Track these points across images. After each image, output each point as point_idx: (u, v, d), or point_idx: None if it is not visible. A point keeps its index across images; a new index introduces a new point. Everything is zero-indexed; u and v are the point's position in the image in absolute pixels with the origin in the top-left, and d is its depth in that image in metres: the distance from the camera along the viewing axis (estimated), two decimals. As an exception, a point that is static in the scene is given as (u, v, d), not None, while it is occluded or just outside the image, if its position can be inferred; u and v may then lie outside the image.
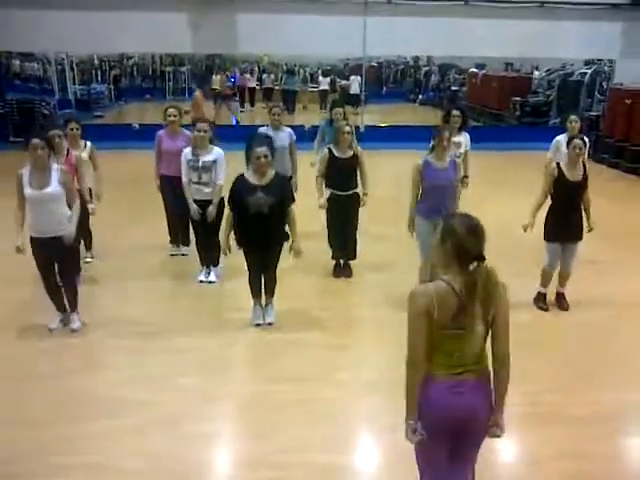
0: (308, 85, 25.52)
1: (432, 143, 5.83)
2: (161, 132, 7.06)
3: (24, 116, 14.63)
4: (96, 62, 26.94)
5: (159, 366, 4.93)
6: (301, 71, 27.46)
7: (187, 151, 6.29)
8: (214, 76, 22.20)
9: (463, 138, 7.19)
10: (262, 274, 5.60)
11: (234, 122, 18.92)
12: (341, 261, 6.93)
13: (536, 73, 20.56)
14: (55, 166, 5.11)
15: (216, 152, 6.30)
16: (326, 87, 23.04)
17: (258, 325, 5.53)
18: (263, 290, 5.64)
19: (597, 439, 4.06)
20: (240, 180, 5.29)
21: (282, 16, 14.05)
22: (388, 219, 8.01)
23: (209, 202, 6.28)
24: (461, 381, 2.67)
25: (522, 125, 17.85)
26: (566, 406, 4.42)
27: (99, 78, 25.96)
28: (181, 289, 6.55)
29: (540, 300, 6.07)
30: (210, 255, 6.60)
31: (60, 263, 5.30)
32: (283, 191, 5.31)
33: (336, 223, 6.77)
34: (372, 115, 19.14)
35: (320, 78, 23.87)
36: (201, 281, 6.58)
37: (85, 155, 6.66)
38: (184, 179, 6.33)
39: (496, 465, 3.86)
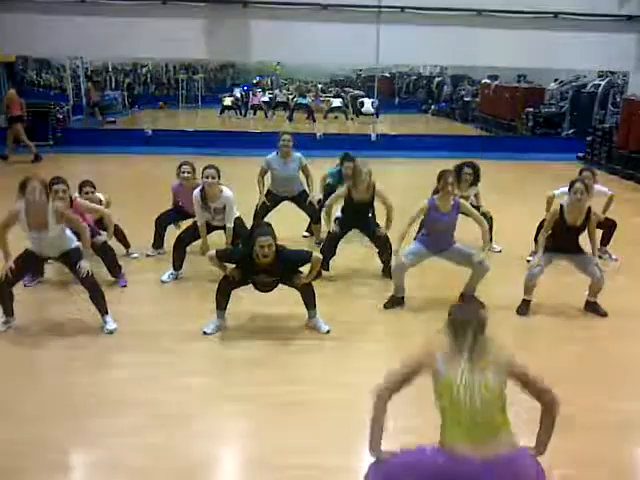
0: (320, 100, 25.24)
1: (436, 186, 5.88)
2: (176, 185, 7.08)
3: (38, 120, 14.75)
4: (110, 70, 27.20)
5: (162, 366, 4.88)
6: (312, 89, 27.11)
7: (197, 194, 6.35)
8: (222, 97, 22.56)
9: (472, 193, 7.13)
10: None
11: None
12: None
13: (552, 84, 20.52)
14: (50, 208, 5.05)
15: (225, 196, 6.34)
16: (339, 104, 22.85)
17: (205, 334, 5.39)
18: (305, 306, 5.53)
19: (607, 447, 3.97)
20: (245, 258, 5.15)
21: (295, 23, 14.12)
22: (395, 226, 7.98)
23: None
24: (476, 453, 2.57)
25: (534, 136, 17.79)
26: (575, 414, 4.33)
27: (113, 85, 26.16)
28: (185, 290, 6.51)
29: (522, 306, 5.89)
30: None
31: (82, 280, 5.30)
32: (287, 270, 5.29)
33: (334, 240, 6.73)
34: (384, 125, 19.17)
35: (332, 100, 23.36)
36: (162, 281, 6.56)
37: (104, 207, 6.72)
38: (199, 222, 6.49)
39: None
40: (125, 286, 6.46)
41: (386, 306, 5.99)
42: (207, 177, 6.22)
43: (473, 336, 2.66)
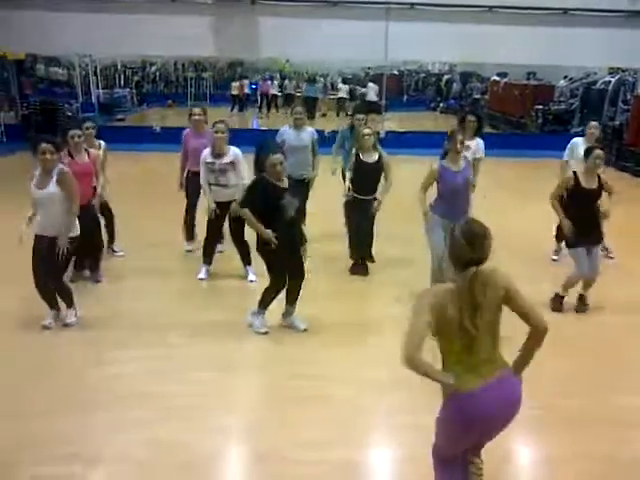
0: (328, 93, 25.54)
1: (445, 147, 5.85)
2: (187, 131, 7.16)
3: (47, 118, 14.79)
4: (119, 67, 27.29)
5: (171, 360, 4.88)
6: (321, 79, 27.55)
7: (206, 152, 6.29)
8: (233, 83, 22.51)
9: (475, 143, 7.06)
10: (290, 284, 5.35)
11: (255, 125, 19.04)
12: (359, 261, 6.86)
13: (561, 82, 20.39)
14: (57, 168, 5.14)
15: (233, 153, 6.28)
16: (345, 95, 23.10)
17: (266, 333, 5.37)
18: (289, 300, 5.43)
19: (615, 442, 3.93)
20: (263, 184, 5.03)
21: (303, 20, 14.10)
22: (404, 220, 7.96)
23: (228, 204, 6.27)
24: (483, 384, 2.71)
25: (544, 133, 17.68)
26: (583, 409, 4.30)
27: (121, 83, 26.25)
28: (196, 286, 6.51)
29: (557, 302, 5.93)
30: (242, 254, 6.54)
31: (45, 265, 5.22)
32: (303, 191, 5.24)
33: (355, 224, 6.74)
34: (393, 122, 19.09)
35: (340, 85, 23.93)
36: (200, 279, 6.55)
37: (101, 154, 6.72)
38: (202, 181, 6.38)
39: (512, 466, 3.80)
40: (99, 281, 6.42)
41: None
42: (217, 132, 6.20)
43: (472, 277, 2.65)
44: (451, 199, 5.74)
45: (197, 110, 7.10)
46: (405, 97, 30.08)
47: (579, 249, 5.75)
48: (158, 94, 28.11)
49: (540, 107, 18.22)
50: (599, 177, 5.74)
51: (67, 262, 5.44)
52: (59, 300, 5.43)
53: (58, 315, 5.42)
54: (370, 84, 22.25)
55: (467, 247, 2.65)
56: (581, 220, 5.70)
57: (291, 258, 5.21)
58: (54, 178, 5.09)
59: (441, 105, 26.95)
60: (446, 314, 2.64)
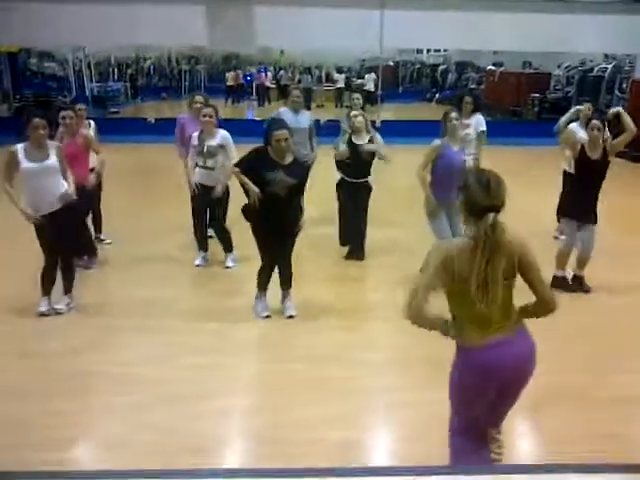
0: (324, 84, 25.49)
1: (442, 128, 5.81)
2: (184, 117, 6.98)
3: (41, 110, 14.63)
4: (113, 61, 27.14)
5: (169, 345, 4.83)
6: (316, 71, 27.48)
7: (195, 135, 6.21)
8: (227, 73, 22.41)
9: (474, 120, 7.08)
10: (277, 266, 5.32)
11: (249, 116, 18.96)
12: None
13: (557, 71, 20.34)
14: (51, 143, 5.14)
15: (221, 136, 6.19)
16: (341, 85, 23.02)
17: (268, 317, 5.31)
18: (280, 283, 5.37)
19: (622, 420, 3.89)
20: (261, 153, 4.95)
21: (299, 9, 14.00)
22: (400, 207, 7.95)
23: (212, 188, 6.18)
24: (497, 339, 2.67)
25: (541, 121, 17.64)
26: (589, 387, 4.26)
27: (115, 77, 26.11)
28: (192, 273, 6.45)
29: (559, 282, 5.88)
30: (222, 241, 6.51)
31: (59, 244, 5.20)
32: (303, 174, 5.12)
33: (346, 209, 6.69)
34: (388, 113, 19.02)
35: (335, 75, 23.85)
36: (197, 265, 6.50)
37: (91, 133, 6.67)
38: (190, 162, 6.30)
39: (521, 444, 3.76)
40: (89, 268, 6.37)
41: None
42: (204, 115, 6.12)
43: (492, 223, 2.55)
44: (450, 180, 5.61)
45: (199, 98, 6.80)
46: (401, 88, 30.02)
47: (571, 221, 5.79)
48: (152, 87, 27.98)
49: (536, 95, 18.17)
50: (605, 149, 5.71)
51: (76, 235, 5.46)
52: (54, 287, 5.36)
53: (49, 302, 5.34)
54: (367, 75, 22.20)
55: (482, 193, 2.56)
56: (582, 193, 5.73)
57: (274, 237, 5.12)
58: (53, 151, 5.06)
59: (437, 96, 26.87)
60: (459, 267, 2.56)
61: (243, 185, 5.00)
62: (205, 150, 6.13)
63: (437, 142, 5.72)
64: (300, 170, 5.10)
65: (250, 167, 4.96)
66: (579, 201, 5.79)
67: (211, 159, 6.16)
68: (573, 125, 7.30)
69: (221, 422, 3.90)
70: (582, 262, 5.92)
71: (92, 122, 7.01)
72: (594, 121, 5.71)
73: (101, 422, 3.86)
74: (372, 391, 4.27)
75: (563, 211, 5.95)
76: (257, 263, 5.38)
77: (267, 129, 5.08)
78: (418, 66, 32.27)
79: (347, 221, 6.75)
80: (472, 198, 2.60)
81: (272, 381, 4.37)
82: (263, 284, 5.33)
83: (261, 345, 5.01)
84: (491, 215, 2.53)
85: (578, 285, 5.93)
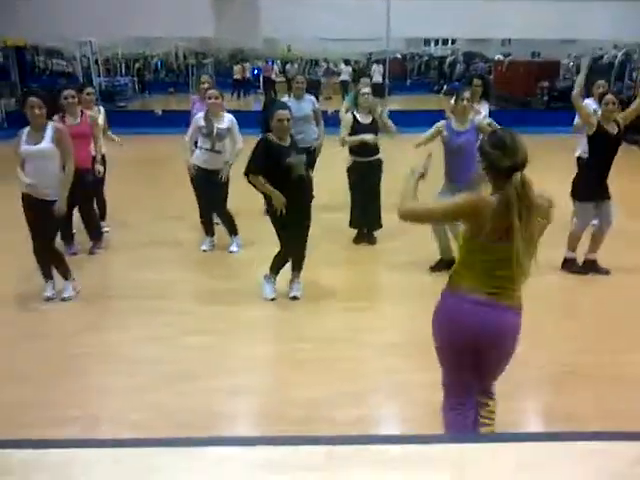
0: (330, 75, 25.35)
1: (451, 107, 5.74)
2: (195, 97, 6.99)
3: (48, 105, 14.65)
4: (120, 57, 27.17)
5: (171, 326, 4.79)
6: (324, 64, 27.39)
7: (200, 115, 6.12)
8: (235, 66, 22.39)
9: (485, 108, 6.92)
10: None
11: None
12: (364, 229, 6.75)
13: (565, 61, 20.16)
14: (51, 124, 4.97)
15: (228, 119, 6.13)
16: (347, 78, 22.90)
17: (273, 299, 5.26)
18: (291, 265, 5.29)
19: (633, 399, 3.81)
20: (269, 142, 4.85)
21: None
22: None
23: (215, 172, 6.10)
24: (495, 301, 2.61)
25: (549, 110, 17.47)
26: (602, 366, 4.18)
27: (123, 72, 26.14)
28: (198, 257, 6.41)
29: (571, 264, 5.81)
30: (226, 225, 6.47)
31: (45, 229, 5.06)
32: (303, 151, 5.12)
33: (358, 191, 6.60)
34: (395, 104, 18.91)
35: (342, 66, 23.73)
36: (204, 250, 6.46)
37: (100, 120, 6.59)
38: (188, 143, 6.19)
39: (532, 423, 3.73)
40: (93, 253, 6.34)
41: (433, 269, 5.82)
42: (210, 97, 6.05)
43: (521, 180, 2.52)
44: (456, 161, 5.58)
45: (205, 78, 6.79)
46: (408, 81, 29.86)
47: (587, 204, 5.66)
48: (160, 82, 27.99)
49: (546, 84, 17.99)
50: (618, 125, 5.55)
51: (58, 227, 5.28)
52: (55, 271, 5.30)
53: (54, 286, 5.30)
54: (374, 66, 22.11)
55: (501, 155, 2.53)
56: (597, 170, 5.61)
57: (300, 222, 5.05)
58: (49, 134, 4.89)
59: (445, 87, 26.67)
60: (493, 221, 2.51)
61: (264, 193, 4.91)
62: (215, 133, 6.04)
63: (440, 123, 5.67)
64: (301, 148, 5.12)
65: (263, 165, 4.82)
66: (595, 180, 5.63)
67: (220, 142, 6.08)
68: (587, 100, 7.14)
69: (224, 400, 3.84)
70: (597, 242, 5.78)
71: (102, 109, 6.91)
72: (608, 95, 5.57)
73: (101, 401, 3.82)
74: (379, 371, 4.21)
75: (578, 195, 5.75)
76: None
77: (268, 113, 5.03)
78: (426, 59, 32.13)
79: (360, 203, 6.64)
80: (493, 163, 2.57)
81: (278, 360, 4.35)
82: (277, 268, 5.27)
83: (266, 325, 4.96)
84: (518, 174, 2.50)
85: (592, 268, 5.81)
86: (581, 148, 6.71)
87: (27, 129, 4.98)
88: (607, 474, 1.67)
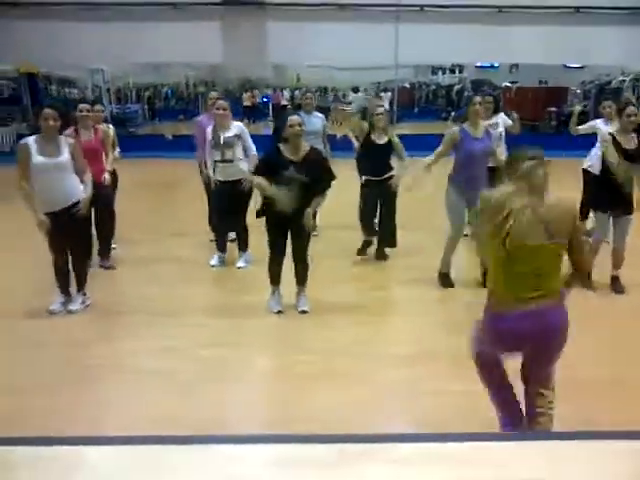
0: (340, 102, 25.47)
1: (464, 113, 5.71)
2: (201, 117, 6.92)
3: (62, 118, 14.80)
4: (131, 85, 27.54)
5: (178, 338, 4.72)
6: (332, 93, 27.61)
7: (209, 130, 6.12)
8: (244, 94, 22.72)
9: (500, 119, 7.00)
10: (293, 261, 5.20)
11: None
12: (374, 242, 6.70)
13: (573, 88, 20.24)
14: (63, 137, 4.97)
15: (236, 126, 6.13)
16: (355, 110, 22.95)
17: (279, 312, 5.18)
18: (295, 279, 5.24)
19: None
20: (275, 152, 4.92)
21: (312, 24, 14.10)
22: (418, 210, 7.89)
23: (235, 183, 6.07)
24: (534, 308, 2.67)
25: (558, 134, 17.50)
26: (618, 378, 4.07)
27: (133, 99, 26.49)
28: (203, 272, 6.35)
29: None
30: (240, 239, 6.43)
31: (72, 240, 5.09)
32: (319, 169, 4.91)
33: (369, 208, 6.56)
34: (404, 130, 19.03)
35: (351, 95, 23.90)
36: (212, 265, 6.39)
37: (111, 132, 6.62)
38: (208, 161, 6.21)
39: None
40: (110, 268, 6.33)
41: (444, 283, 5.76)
42: (218, 108, 6.02)
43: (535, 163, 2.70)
44: (470, 167, 5.47)
45: (214, 94, 6.78)
46: (416, 109, 30.03)
47: (605, 215, 5.51)
48: (170, 110, 28.30)
49: (554, 109, 18.06)
50: (639, 140, 5.35)
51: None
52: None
53: (67, 302, 5.25)
54: (382, 94, 22.30)
55: (523, 152, 2.77)
56: (616, 183, 5.34)
57: (283, 230, 5.04)
58: (64, 146, 4.89)
59: (452, 114, 26.77)
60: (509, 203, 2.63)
61: (258, 187, 4.96)
62: (222, 142, 6.01)
63: (455, 130, 5.61)
64: (313, 166, 4.89)
65: (265, 168, 4.92)
66: (613, 193, 5.38)
67: (229, 150, 6.04)
68: (598, 121, 7.08)
69: (228, 410, 3.78)
70: (618, 259, 5.61)
71: (111, 126, 6.91)
72: (630, 108, 5.31)
73: (112, 412, 3.75)
74: (389, 382, 4.10)
75: (596, 204, 5.61)
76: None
77: (279, 123, 5.05)
78: (434, 87, 32.33)
79: (368, 217, 6.60)
80: (515, 158, 2.80)
81: (284, 373, 4.25)
82: (274, 278, 5.22)
83: (274, 338, 4.90)
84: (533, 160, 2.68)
85: (614, 286, 5.67)
86: (591, 161, 6.65)
87: (33, 139, 4.89)
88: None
